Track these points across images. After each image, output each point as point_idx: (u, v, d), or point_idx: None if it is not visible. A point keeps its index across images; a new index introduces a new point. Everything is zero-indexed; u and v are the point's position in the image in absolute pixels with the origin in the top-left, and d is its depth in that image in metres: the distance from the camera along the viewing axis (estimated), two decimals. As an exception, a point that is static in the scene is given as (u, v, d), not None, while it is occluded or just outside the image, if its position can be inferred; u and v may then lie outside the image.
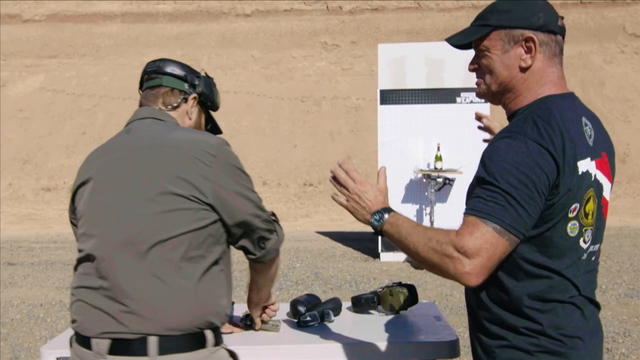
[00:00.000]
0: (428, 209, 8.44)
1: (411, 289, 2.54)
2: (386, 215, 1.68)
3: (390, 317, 2.51)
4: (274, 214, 1.94)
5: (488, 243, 1.46)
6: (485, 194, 1.50)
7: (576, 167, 1.53)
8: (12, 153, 17.66)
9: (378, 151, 8.77)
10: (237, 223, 1.80)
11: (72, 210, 1.91)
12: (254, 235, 1.85)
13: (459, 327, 5.46)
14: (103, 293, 1.71)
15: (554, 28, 1.62)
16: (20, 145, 17.97)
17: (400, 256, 8.61)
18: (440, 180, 8.45)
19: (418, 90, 8.63)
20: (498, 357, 1.60)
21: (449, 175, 8.44)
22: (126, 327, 1.67)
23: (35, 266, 8.79)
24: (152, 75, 1.99)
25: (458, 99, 8.56)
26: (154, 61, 2.02)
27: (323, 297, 2.53)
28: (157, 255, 1.68)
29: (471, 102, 8.51)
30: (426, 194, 8.52)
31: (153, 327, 1.66)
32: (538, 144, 1.49)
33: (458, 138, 8.44)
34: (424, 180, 8.54)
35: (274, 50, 20.27)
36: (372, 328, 2.37)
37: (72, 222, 1.94)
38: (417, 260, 1.58)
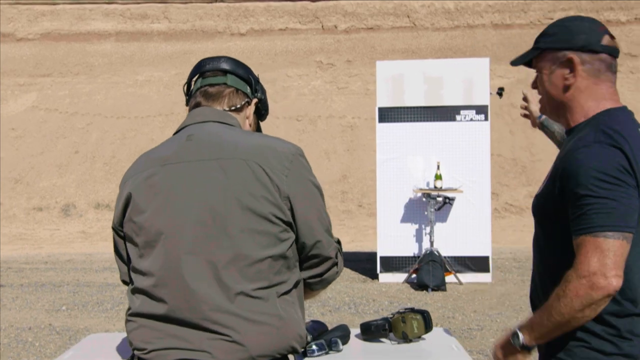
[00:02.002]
0: (428, 229, 8.29)
1: (425, 315, 2.37)
2: (522, 341, 1.70)
3: (402, 345, 2.34)
4: (339, 242, 1.80)
5: (610, 252, 1.56)
6: (585, 210, 1.59)
7: None
8: (4, 172, 17.45)
9: (377, 169, 8.64)
10: (304, 244, 1.68)
11: (121, 222, 1.71)
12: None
13: (464, 352, 5.27)
14: (175, 318, 1.58)
15: (596, 47, 1.76)
16: (12, 164, 17.76)
17: (400, 277, 8.43)
18: (440, 199, 8.32)
19: (417, 107, 8.49)
20: (576, 357, 1.68)
21: (449, 194, 8.30)
22: (210, 354, 1.56)
23: (25, 287, 8.57)
24: (214, 73, 1.81)
25: (458, 117, 8.43)
26: (216, 58, 1.84)
27: (321, 320, 2.39)
28: (238, 280, 1.57)
29: (471, 120, 8.39)
30: (426, 213, 8.37)
31: (243, 354, 1.57)
32: (613, 147, 1.62)
33: (458, 156, 8.33)
34: (424, 199, 8.40)
35: (269, 70, 20.17)
36: (384, 358, 2.22)
37: (118, 235, 1.75)
38: (576, 323, 1.61)
